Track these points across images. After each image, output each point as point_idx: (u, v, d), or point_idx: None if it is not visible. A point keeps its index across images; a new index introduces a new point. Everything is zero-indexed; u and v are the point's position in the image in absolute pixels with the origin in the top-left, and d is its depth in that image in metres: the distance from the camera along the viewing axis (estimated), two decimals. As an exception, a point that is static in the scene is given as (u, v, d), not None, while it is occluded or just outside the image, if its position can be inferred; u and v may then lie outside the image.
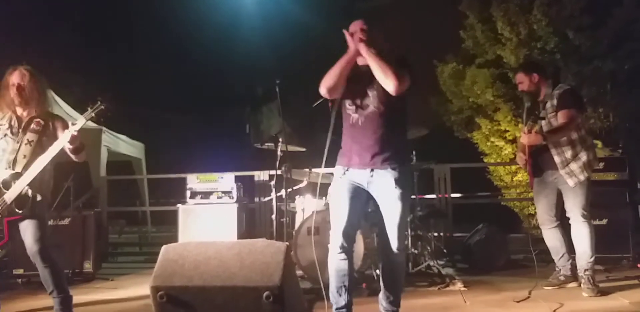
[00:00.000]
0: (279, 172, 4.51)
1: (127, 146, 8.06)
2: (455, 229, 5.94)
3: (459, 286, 4.07)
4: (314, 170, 4.98)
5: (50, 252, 3.29)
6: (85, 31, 16.46)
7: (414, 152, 4.82)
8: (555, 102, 3.85)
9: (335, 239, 2.83)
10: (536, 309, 3.33)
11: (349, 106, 2.89)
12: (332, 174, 4.95)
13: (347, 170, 2.91)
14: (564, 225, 3.94)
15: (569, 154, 3.80)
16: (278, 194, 4.68)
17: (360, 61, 2.89)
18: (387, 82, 2.72)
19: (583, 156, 3.79)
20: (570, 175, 3.79)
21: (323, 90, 2.86)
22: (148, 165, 8.67)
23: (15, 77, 3.30)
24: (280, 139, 4.53)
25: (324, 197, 4.88)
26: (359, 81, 2.86)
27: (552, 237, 4.02)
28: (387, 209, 2.83)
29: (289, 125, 4.34)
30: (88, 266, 5.00)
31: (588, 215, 3.79)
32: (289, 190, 4.62)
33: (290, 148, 4.55)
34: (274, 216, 4.68)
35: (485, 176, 8.47)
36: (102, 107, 3.24)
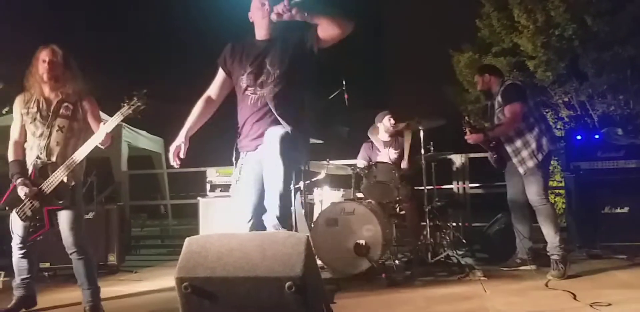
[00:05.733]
0: (296, 164, 4.53)
1: (146, 141, 8.16)
2: (474, 219, 5.93)
3: (478, 275, 4.07)
4: (331, 162, 5.01)
5: (87, 243, 3.32)
6: (101, 29, 16.63)
7: (431, 143, 4.81)
8: (500, 98, 4.17)
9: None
10: (557, 298, 3.32)
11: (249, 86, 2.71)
12: (349, 166, 5.04)
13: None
14: (531, 212, 4.14)
15: (518, 143, 4.08)
16: (296, 186, 4.71)
17: (258, 35, 2.78)
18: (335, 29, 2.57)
19: (532, 143, 4.04)
20: (521, 163, 4.07)
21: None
22: (168, 159, 8.76)
23: (46, 54, 3.24)
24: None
25: (341, 189, 4.91)
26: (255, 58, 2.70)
27: (516, 221, 4.31)
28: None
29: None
30: (112, 259, 5.10)
31: (544, 199, 4.03)
32: (307, 182, 4.65)
33: (308, 141, 4.56)
34: (292, 208, 4.71)
35: (504, 165, 8.41)
36: (139, 103, 3.12)
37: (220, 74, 2.86)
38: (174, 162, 2.79)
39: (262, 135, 2.60)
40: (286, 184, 2.45)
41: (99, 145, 3.20)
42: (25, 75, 3.33)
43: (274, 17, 2.57)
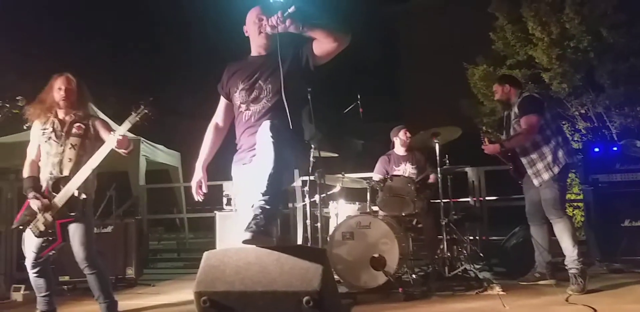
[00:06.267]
0: (312, 177, 4.56)
1: (164, 155, 8.26)
2: (492, 233, 5.87)
3: (497, 290, 4.01)
4: (346, 175, 5.02)
5: (97, 258, 3.39)
6: (118, 44, 16.95)
7: (447, 156, 4.80)
8: (516, 109, 4.17)
9: None
10: (577, 312, 3.27)
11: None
12: (364, 179, 5.04)
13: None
14: (550, 225, 4.09)
15: (534, 155, 4.08)
16: (311, 200, 4.72)
17: (253, 52, 2.78)
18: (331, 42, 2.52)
19: (548, 156, 4.03)
20: (536, 175, 4.07)
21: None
22: (184, 173, 8.86)
23: (61, 82, 3.42)
24: (313, 145, 4.57)
25: (357, 202, 4.91)
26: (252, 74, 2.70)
27: (535, 234, 4.28)
28: None
29: (320, 132, 4.39)
30: (130, 272, 5.14)
31: (561, 212, 4.01)
32: (323, 195, 4.66)
33: (323, 154, 4.58)
34: (308, 221, 4.73)
35: (521, 177, 8.33)
36: (146, 110, 3.25)
37: (222, 100, 2.88)
38: (198, 197, 2.82)
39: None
40: (277, 166, 2.29)
41: (123, 152, 3.29)
42: (37, 99, 3.47)
43: (268, 29, 2.55)
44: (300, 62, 2.62)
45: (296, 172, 2.60)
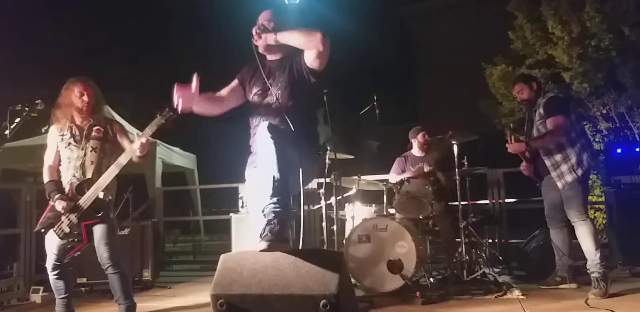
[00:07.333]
0: (327, 180, 4.53)
1: (180, 158, 8.29)
2: (511, 235, 5.78)
3: (516, 294, 3.94)
4: (362, 177, 4.98)
5: (121, 258, 3.42)
6: (134, 48, 17.15)
7: (465, 157, 4.73)
8: (541, 110, 4.08)
9: None
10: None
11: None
12: (381, 181, 4.99)
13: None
14: (570, 227, 4.04)
15: (558, 157, 3.99)
16: (327, 202, 4.69)
17: (269, 56, 2.78)
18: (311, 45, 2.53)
19: (573, 157, 3.95)
20: (560, 177, 3.98)
21: None
22: (200, 175, 8.90)
23: (81, 87, 3.44)
24: (328, 147, 4.54)
25: (373, 205, 4.86)
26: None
27: (555, 238, 4.19)
28: None
29: (335, 133, 4.37)
30: (147, 275, 5.16)
31: (584, 215, 3.92)
32: (339, 198, 4.63)
33: (339, 156, 4.55)
34: (324, 224, 4.69)
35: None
36: (171, 113, 3.20)
37: (234, 82, 2.85)
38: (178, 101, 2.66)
39: None
40: (280, 167, 2.25)
41: (137, 154, 3.25)
42: (55, 105, 3.49)
43: (255, 38, 2.64)
44: (302, 72, 2.65)
45: (304, 173, 2.54)
